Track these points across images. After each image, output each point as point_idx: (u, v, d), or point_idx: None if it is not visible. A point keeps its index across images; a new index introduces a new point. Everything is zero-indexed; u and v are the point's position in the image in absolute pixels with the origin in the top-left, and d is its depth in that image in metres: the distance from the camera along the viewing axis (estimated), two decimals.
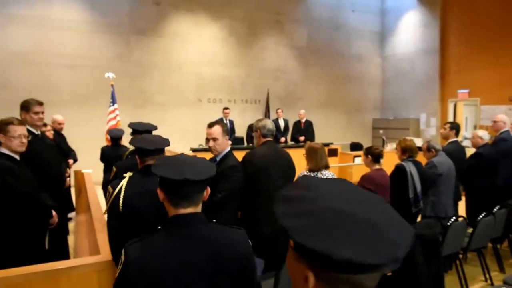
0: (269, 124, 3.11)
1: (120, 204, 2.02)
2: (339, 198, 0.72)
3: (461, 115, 11.07)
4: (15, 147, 2.71)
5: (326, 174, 3.34)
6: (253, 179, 2.93)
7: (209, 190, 1.48)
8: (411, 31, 12.06)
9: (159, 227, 1.39)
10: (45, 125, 4.13)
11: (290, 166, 3.13)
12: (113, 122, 7.21)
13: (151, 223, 1.53)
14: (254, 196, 2.95)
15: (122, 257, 1.34)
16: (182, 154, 1.54)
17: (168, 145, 2.30)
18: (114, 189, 2.08)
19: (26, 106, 3.22)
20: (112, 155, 4.86)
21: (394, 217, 0.71)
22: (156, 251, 1.32)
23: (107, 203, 2.14)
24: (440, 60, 11.25)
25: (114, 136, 5.18)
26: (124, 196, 2.03)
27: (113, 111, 7.25)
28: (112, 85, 7.43)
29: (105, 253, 2.37)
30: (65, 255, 3.77)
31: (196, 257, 1.34)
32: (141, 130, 3.43)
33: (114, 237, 2.07)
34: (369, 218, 0.68)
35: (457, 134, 4.83)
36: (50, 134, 4.90)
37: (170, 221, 1.38)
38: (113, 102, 7.31)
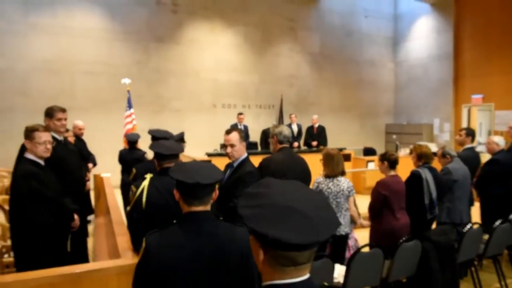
0: (286, 130, 3.11)
1: (144, 202, 2.23)
2: (285, 195, 0.95)
3: (475, 120, 10.86)
4: (40, 153, 2.77)
5: (342, 180, 3.31)
6: None
7: (217, 192, 1.66)
8: (425, 37, 11.91)
9: (174, 221, 1.59)
10: (67, 130, 4.20)
11: (306, 173, 3.12)
12: (129, 126, 7.40)
13: (169, 217, 1.72)
14: None
15: (143, 244, 1.55)
16: (195, 161, 1.73)
17: (182, 151, 2.53)
18: (137, 188, 2.30)
19: (49, 113, 3.26)
20: (128, 158, 5.19)
21: (325, 212, 0.96)
22: (171, 242, 1.52)
23: (131, 201, 2.33)
24: (453, 65, 11.08)
25: (131, 140, 5.48)
26: (147, 195, 2.25)
27: (130, 115, 7.41)
28: (128, 91, 7.58)
29: (125, 257, 2.39)
30: (84, 257, 3.81)
31: (203, 250, 1.52)
32: (158, 137, 3.53)
33: (136, 229, 2.29)
34: (303, 211, 0.91)
35: (473, 140, 4.75)
36: (71, 139, 4.98)
37: (184, 217, 1.58)
38: (130, 106, 7.47)
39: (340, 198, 3.26)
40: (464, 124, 10.84)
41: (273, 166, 2.96)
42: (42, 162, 2.78)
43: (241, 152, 2.88)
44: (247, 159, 2.91)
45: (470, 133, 4.74)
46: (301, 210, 0.92)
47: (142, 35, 9.35)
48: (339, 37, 11.98)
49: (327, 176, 3.30)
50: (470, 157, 4.49)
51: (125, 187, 4.86)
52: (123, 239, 2.74)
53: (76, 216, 2.96)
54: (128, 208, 2.37)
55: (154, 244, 1.51)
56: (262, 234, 0.89)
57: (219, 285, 1.53)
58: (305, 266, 0.96)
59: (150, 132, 3.50)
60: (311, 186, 3.29)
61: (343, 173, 3.33)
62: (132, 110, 7.49)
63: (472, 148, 4.75)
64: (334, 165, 3.29)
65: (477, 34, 10.52)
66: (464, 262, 3.61)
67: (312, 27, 11.56)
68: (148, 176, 2.32)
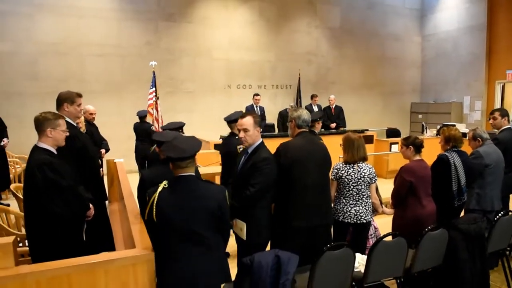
0: (305, 114, 3.08)
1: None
2: (178, 141, 2.35)
3: (509, 98, 10.53)
4: (61, 141, 2.84)
5: (363, 167, 3.27)
6: (287, 171, 2.92)
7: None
8: (455, 7, 11.48)
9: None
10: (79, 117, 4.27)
11: (326, 158, 3.08)
12: (150, 102, 8.18)
13: None
14: (288, 188, 2.95)
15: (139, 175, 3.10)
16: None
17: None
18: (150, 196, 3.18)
19: (70, 98, 3.29)
20: (139, 128, 7.40)
21: (192, 145, 2.32)
22: (159, 171, 2.68)
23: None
24: (487, 38, 10.69)
25: (140, 115, 7.41)
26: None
27: (152, 92, 8.06)
28: (153, 72, 7.99)
29: (140, 246, 2.45)
30: (111, 246, 3.85)
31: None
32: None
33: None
34: (182, 146, 2.27)
35: (509, 121, 4.58)
36: (82, 125, 5.07)
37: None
38: (153, 85, 8.04)
39: (361, 185, 3.23)
40: (497, 102, 10.53)
41: (291, 152, 2.94)
42: (55, 151, 2.84)
43: (255, 138, 2.88)
44: (261, 144, 2.91)
45: (505, 113, 4.55)
46: (180, 146, 2.27)
47: (152, 14, 9.31)
48: (361, 10, 11.66)
49: (346, 162, 3.27)
50: (511, 139, 4.34)
51: (138, 151, 7.29)
52: (138, 228, 2.79)
53: (91, 205, 3.03)
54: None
55: (147, 174, 2.87)
56: (167, 155, 2.24)
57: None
58: (187, 168, 2.27)
59: (154, 137, 3.64)
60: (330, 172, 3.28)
61: (364, 159, 3.29)
62: (154, 88, 8.03)
63: (511, 128, 4.58)
64: (354, 150, 3.25)
65: None
66: (495, 252, 3.56)
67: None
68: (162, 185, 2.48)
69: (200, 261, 2.22)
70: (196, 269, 2.20)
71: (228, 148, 4.37)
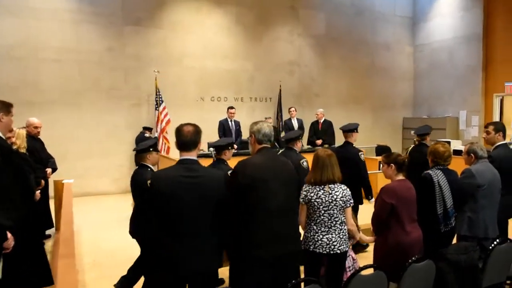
0: (266, 128, 2.93)
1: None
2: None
3: (509, 111, 10.69)
4: None
5: (336, 188, 3.10)
6: (246, 192, 2.74)
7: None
8: (449, 15, 11.70)
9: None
10: (10, 130, 4.04)
11: (291, 177, 2.92)
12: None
13: None
14: (248, 212, 2.76)
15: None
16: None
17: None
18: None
19: (6, 108, 3.16)
20: (138, 138, 8.86)
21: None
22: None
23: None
24: (484, 48, 10.89)
25: (144, 127, 9.26)
26: None
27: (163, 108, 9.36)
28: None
29: (62, 285, 2.24)
30: (49, 281, 3.63)
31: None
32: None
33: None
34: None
35: (504, 136, 4.49)
36: (19, 140, 4.75)
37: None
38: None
39: (333, 210, 3.05)
40: (496, 117, 10.65)
41: (249, 170, 2.77)
42: None
43: None
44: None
45: (500, 128, 4.47)
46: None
47: (116, 17, 9.19)
48: (347, 17, 11.80)
49: (315, 183, 3.11)
50: (507, 157, 4.23)
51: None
52: (66, 263, 2.58)
53: (9, 235, 2.76)
54: None
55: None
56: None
57: None
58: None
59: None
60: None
61: (334, 181, 3.13)
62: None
63: (506, 145, 4.48)
64: (323, 170, 3.10)
65: (511, 11, 10.27)
66: (492, 286, 3.39)
67: (316, 5, 11.40)
68: None
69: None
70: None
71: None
